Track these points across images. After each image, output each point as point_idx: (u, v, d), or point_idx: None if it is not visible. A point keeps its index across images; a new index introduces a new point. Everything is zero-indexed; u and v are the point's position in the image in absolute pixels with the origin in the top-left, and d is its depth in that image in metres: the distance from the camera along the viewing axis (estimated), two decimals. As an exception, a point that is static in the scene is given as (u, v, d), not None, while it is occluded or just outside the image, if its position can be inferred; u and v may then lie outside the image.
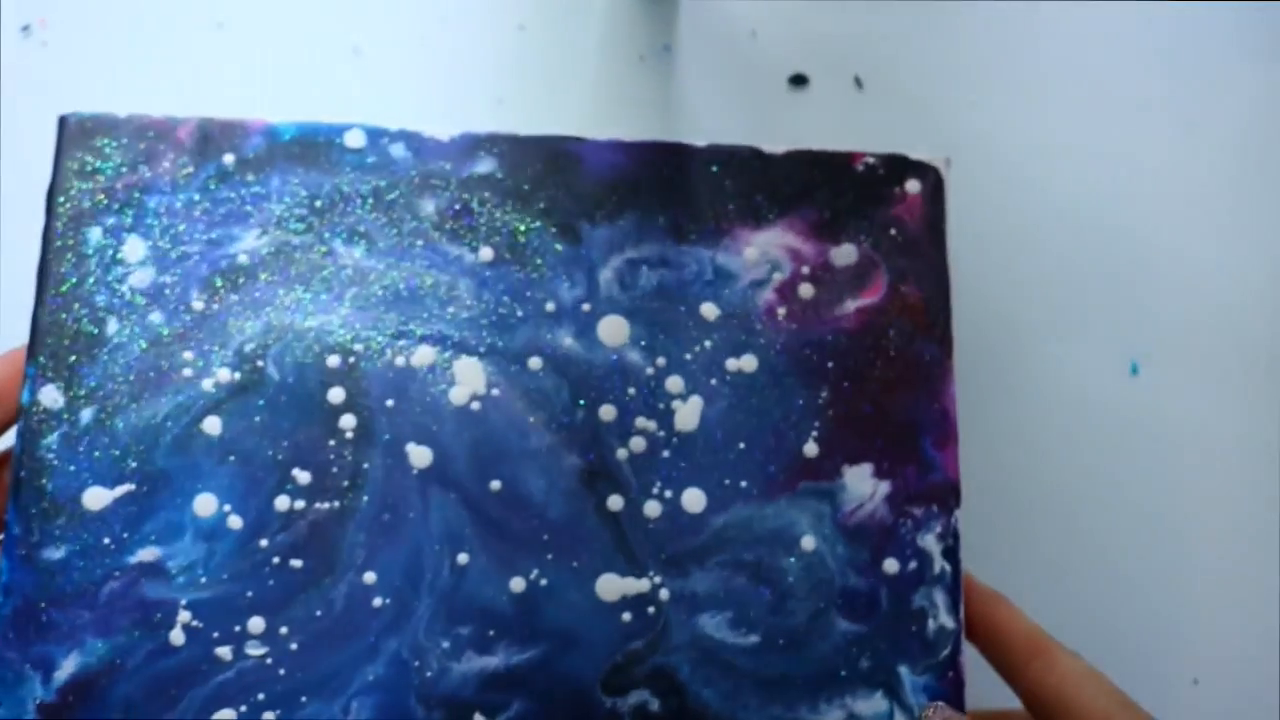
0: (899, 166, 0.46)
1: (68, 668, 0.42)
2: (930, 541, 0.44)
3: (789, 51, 0.55)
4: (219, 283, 0.44)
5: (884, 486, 0.44)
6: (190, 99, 0.54)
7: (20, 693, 0.41)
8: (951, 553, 0.44)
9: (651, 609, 0.43)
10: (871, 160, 0.46)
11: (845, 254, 0.46)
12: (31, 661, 0.42)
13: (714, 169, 0.46)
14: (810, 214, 0.46)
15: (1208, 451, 0.53)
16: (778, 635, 0.43)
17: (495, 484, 0.43)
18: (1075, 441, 0.51)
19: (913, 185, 0.46)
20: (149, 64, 0.55)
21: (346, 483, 0.43)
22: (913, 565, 0.44)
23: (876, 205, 0.46)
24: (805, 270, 0.45)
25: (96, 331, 0.44)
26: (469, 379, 0.44)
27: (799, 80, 0.55)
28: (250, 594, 0.42)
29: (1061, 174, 0.54)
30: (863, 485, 0.44)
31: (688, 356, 0.45)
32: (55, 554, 0.42)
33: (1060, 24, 0.57)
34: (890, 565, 0.44)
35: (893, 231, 0.46)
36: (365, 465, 0.43)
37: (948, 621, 0.43)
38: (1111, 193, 0.55)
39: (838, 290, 0.45)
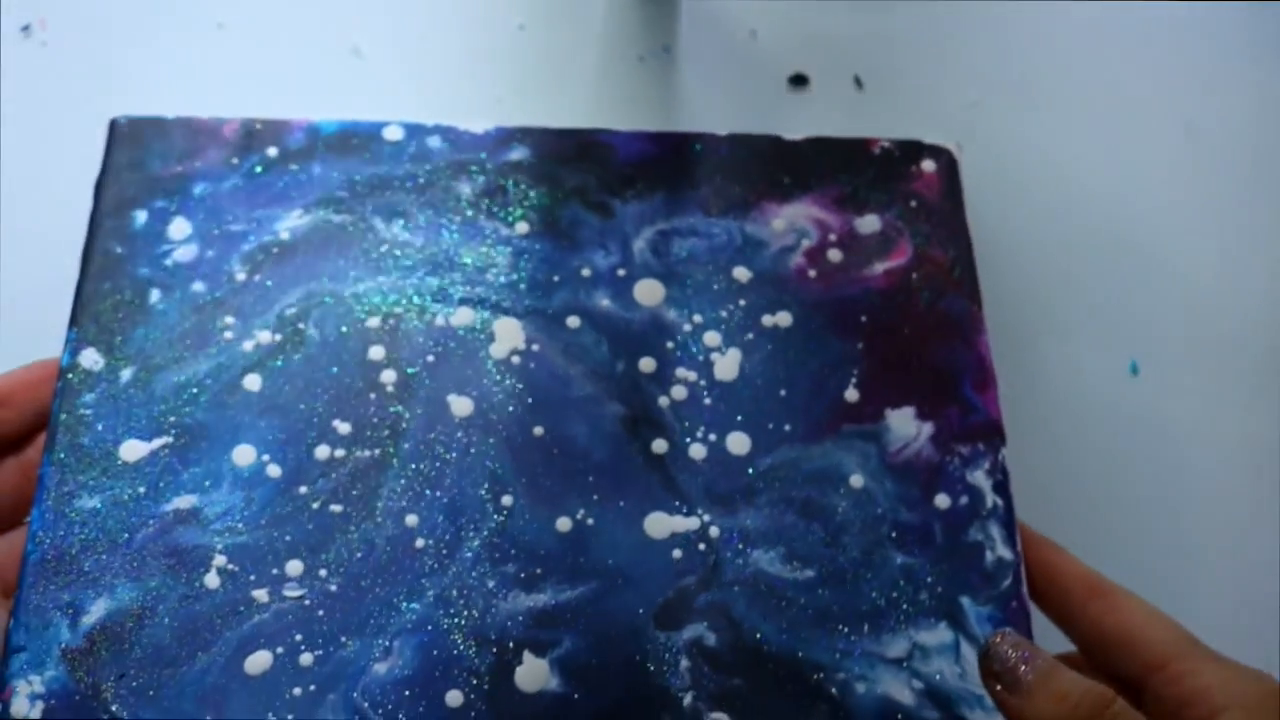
0: (913, 150, 0.49)
1: (95, 613, 0.40)
2: (979, 477, 0.43)
3: (789, 51, 0.57)
4: (260, 256, 0.45)
5: (928, 427, 0.44)
6: (190, 99, 0.54)
7: (46, 637, 0.39)
8: (1002, 488, 0.43)
9: (702, 545, 0.42)
10: (887, 144, 0.49)
11: (869, 223, 0.47)
12: (60, 607, 0.40)
13: (739, 153, 0.48)
14: (833, 190, 0.48)
15: (1208, 451, 0.52)
16: (832, 569, 0.42)
17: (538, 430, 0.43)
18: (1075, 441, 0.51)
19: (928, 165, 0.48)
20: (149, 64, 0.56)
21: (387, 432, 0.43)
22: (964, 500, 0.43)
23: (896, 181, 0.48)
24: (832, 238, 0.47)
25: (139, 301, 0.44)
26: (508, 336, 0.44)
27: (799, 80, 0.58)
28: (289, 538, 0.41)
29: (1061, 174, 0.56)
30: (906, 426, 0.44)
31: (723, 314, 0.45)
32: (89, 503, 0.41)
33: (1060, 24, 0.59)
34: (941, 500, 0.43)
35: (913, 203, 0.48)
36: (406, 416, 0.43)
37: (1005, 553, 0.42)
38: (1111, 193, 0.56)
39: (865, 254, 0.47)
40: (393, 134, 0.48)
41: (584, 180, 0.47)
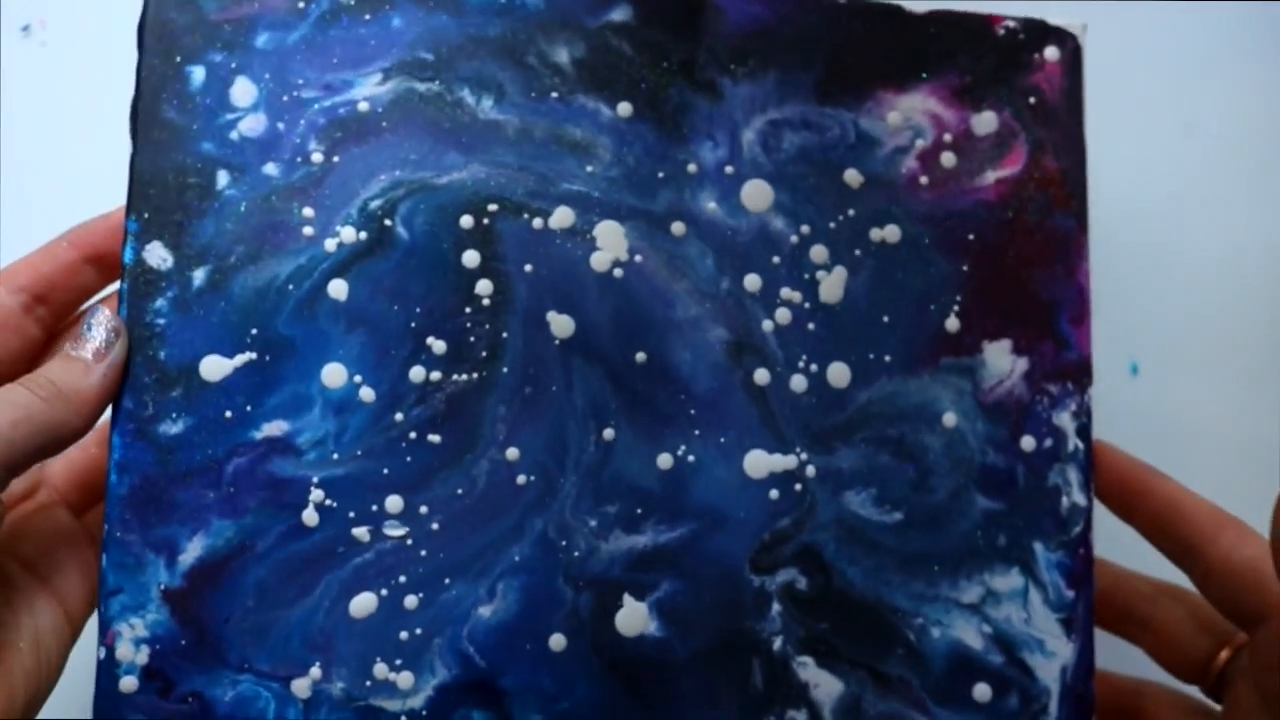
0: (1039, 31, 0.45)
1: (193, 551, 0.39)
2: (1065, 419, 0.44)
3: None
4: (338, 133, 0.40)
5: (1022, 363, 0.44)
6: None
7: (143, 578, 0.38)
8: (1085, 431, 0.44)
9: (799, 486, 0.42)
10: (1012, 24, 0.45)
11: (986, 121, 0.44)
12: (153, 545, 0.38)
13: (856, 25, 0.44)
14: (952, 78, 0.44)
15: (1208, 451, 0.53)
16: (920, 513, 0.43)
17: (640, 356, 0.41)
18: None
19: (1051, 53, 0.45)
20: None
21: (485, 353, 0.41)
22: (1048, 443, 0.43)
23: (1017, 72, 0.45)
24: (947, 138, 0.44)
25: (206, 184, 0.40)
26: (611, 244, 0.42)
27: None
28: (386, 471, 0.40)
29: None
30: (1002, 361, 0.43)
31: (832, 225, 0.43)
32: (173, 428, 0.39)
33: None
34: (1027, 442, 0.43)
35: (1032, 100, 0.44)
36: (504, 334, 0.41)
37: (1080, 499, 0.43)
38: (1111, 193, 0.55)
39: (978, 160, 0.44)
40: (481, -22, 0.42)
41: (692, 52, 0.43)
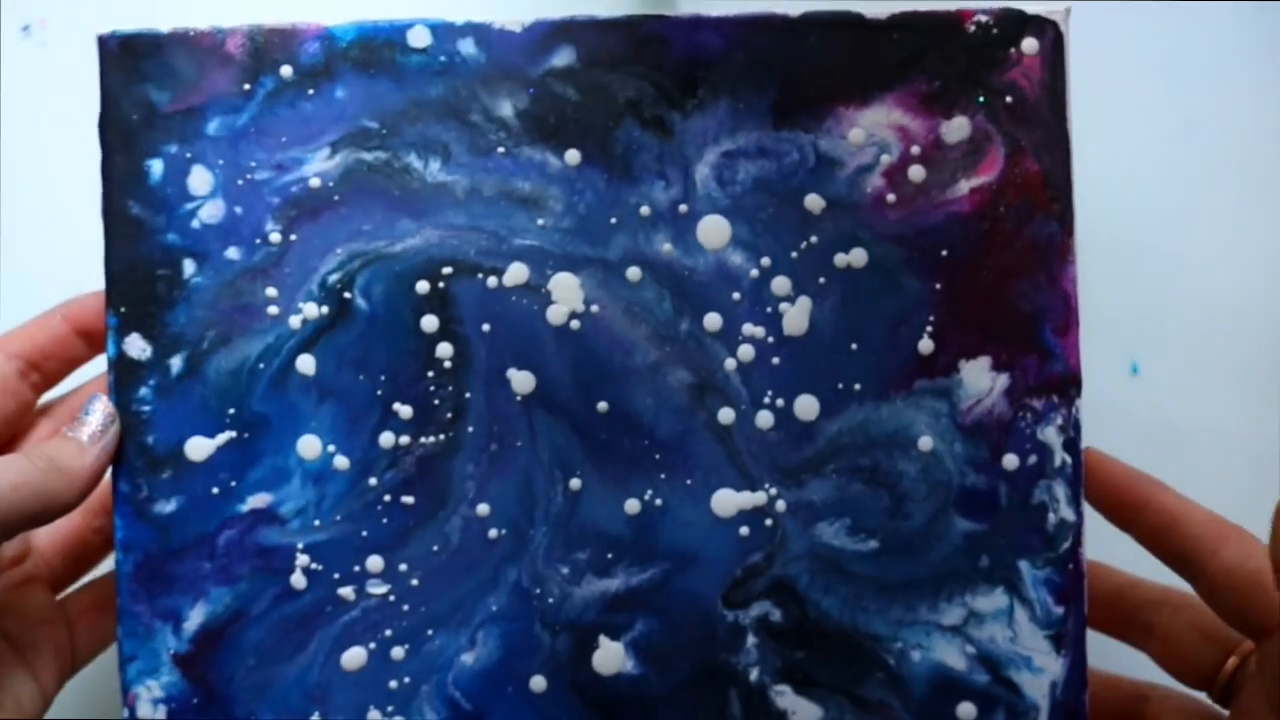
0: (1014, 23, 0.42)
1: (196, 618, 0.42)
2: (1051, 434, 0.42)
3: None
4: (293, 211, 0.42)
5: (1002, 380, 0.42)
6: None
7: (154, 644, 0.42)
8: (1073, 445, 0.42)
9: (769, 521, 0.42)
10: (984, 18, 0.42)
11: (957, 128, 0.42)
12: (160, 615, 0.42)
13: (811, 40, 0.42)
14: (919, 85, 0.42)
15: (1208, 451, 0.52)
16: (896, 539, 0.43)
17: (602, 405, 0.42)
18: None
19: (1029, 45, 0.42)
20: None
21: (450, 414, 0.42)
22: (1033, 460, 0.42)
23: (991, 70, 0.42)
24: (915, 150, 0.42)
25: (173, 274, 0.42)
26: (566, 297, 0.42)
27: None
28: (365, 533, 0.42)
29: None
30: (981, 380, 0.42)
31: (793, 255, 0.42)
32: (167, 507, 0.42)
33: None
34: (1010, 461, 0.42)
35: (1009, 99, 0.42)
36: (467, 395, 0.42)
37: (1068, 514, 0.43)
38: (1111, 192, 0.53)
39: (950, 170, 0.42)
40: (418, 38, 0.42)
41: (638, 89, 0.42)
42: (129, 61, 0.41)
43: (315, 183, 0.42)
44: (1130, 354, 0.54)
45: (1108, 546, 0.44)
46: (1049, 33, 0.42)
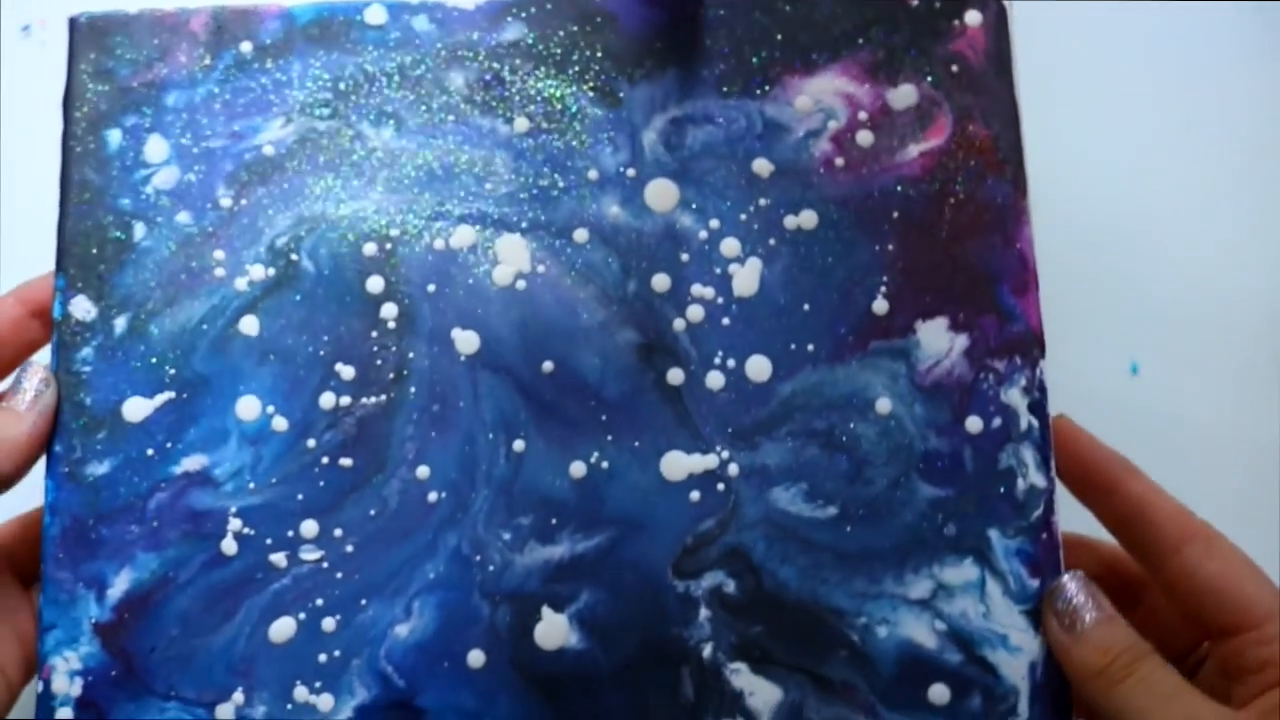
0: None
1: (121, 585, 0.40)
2: (1015, 396, 0.41)
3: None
4: (245, 177, 0.42)
5: (961, 340, 0.41)
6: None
7: (75, 613, 0.40)
8: (1038, 406, 0.41)
9: (721, 486, 0.41)
10: (927, -7, 0.43)
11: (904, 95, 0.42)
12: (84, 580, 0.40)
13: (757, 14, 0.43)
14: (864, 55, 0.43)
15: (1208, 451, 0.52)
16: (857, 506, 0.40)
17: (547, 365, 0.41)
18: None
19: (973, 17, 0.43)
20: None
21: (392, 375, 0.41)
22: (997, 422, 0.41)
23: (935, 40, 0.43)
24: (862, 116, 0.42)
25: (124, 237, 0.42)
26: (512, 258, 0.42)
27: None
28: (301, 497, 0.41)
29: (1061, 173, 0.53)
30: (938, 340, 0.41)
31: (743, 217, 0.42)
32: (99, 469, 0.41)
33: (1060, 23, 0.55)
34: (973, 424, 0.41)
35: (954, 68, 0.42)
36: (410, 355, 0.41)
37: (1038, 480, 0.40)
38: (1111, 192, 0.54)
39: (899, 135, 0.42)
40: (375, 15, 0.43)
41: (587, 60, 0.43)
42: (95, 39, 0.43)
43: (269, 150, 0.42)
44: (1130, 354, 0.53)
45: (1085, 514, 0.41)
46: (992, 6, 0.43)
